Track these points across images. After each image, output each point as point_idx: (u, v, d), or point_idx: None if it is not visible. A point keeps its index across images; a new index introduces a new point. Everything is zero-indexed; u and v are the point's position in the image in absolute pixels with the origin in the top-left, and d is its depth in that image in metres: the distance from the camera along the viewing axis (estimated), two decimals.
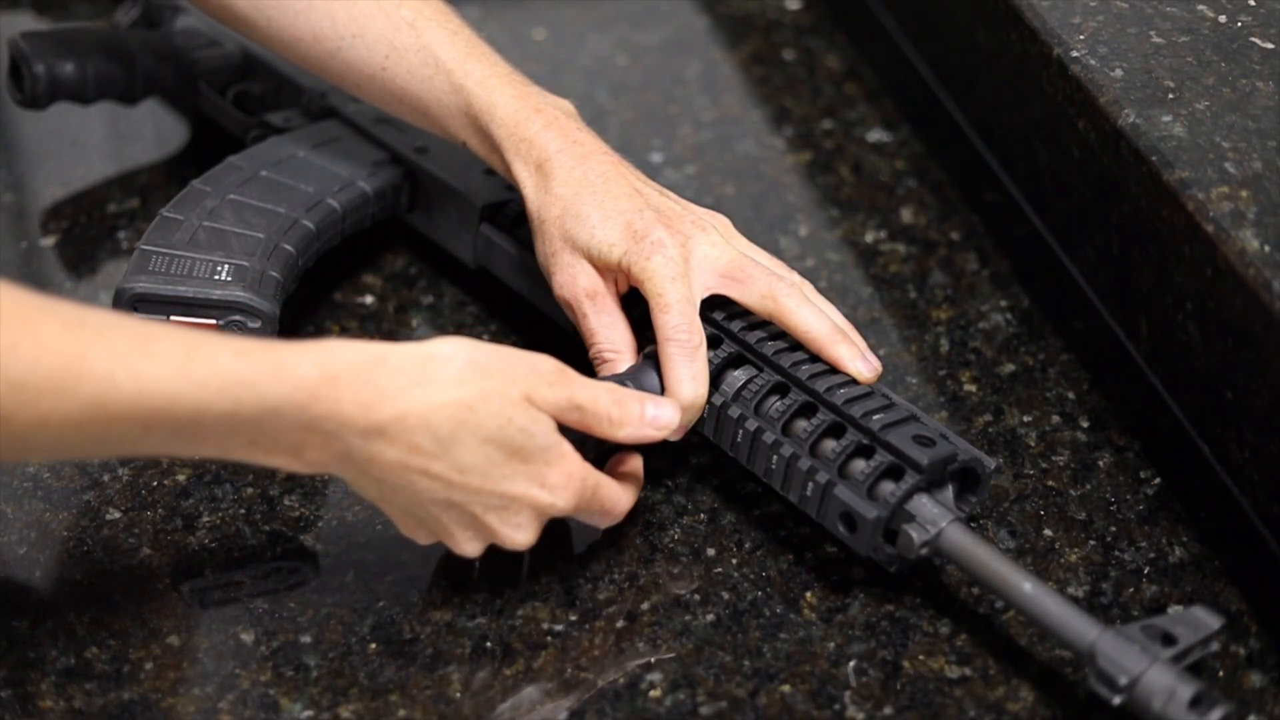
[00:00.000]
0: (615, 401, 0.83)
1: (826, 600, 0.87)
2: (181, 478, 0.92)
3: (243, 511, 0.90)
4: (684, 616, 0.86)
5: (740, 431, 0.88)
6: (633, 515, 0.90)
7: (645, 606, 0.86)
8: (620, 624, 0.85)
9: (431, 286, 1.07)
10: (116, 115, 1.19)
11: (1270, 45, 1.00)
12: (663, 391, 0.87)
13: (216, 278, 0.94)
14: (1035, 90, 1.05)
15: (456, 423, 0.78)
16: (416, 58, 0.94)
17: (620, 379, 0.88)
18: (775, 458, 0.86)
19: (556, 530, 0.87)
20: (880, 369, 0.88)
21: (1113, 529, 0.91)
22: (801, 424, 0.87)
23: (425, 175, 1.04)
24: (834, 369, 0.88)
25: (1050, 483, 0.94)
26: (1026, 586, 0.80)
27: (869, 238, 1.12)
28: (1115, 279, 1.00)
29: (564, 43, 1.32)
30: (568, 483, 0.81)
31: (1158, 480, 0.94)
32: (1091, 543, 0.90)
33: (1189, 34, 1.01)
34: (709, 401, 0.88)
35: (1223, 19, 1.03)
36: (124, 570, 0.87)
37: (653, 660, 0.83)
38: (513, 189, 0.98)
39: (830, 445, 0.86)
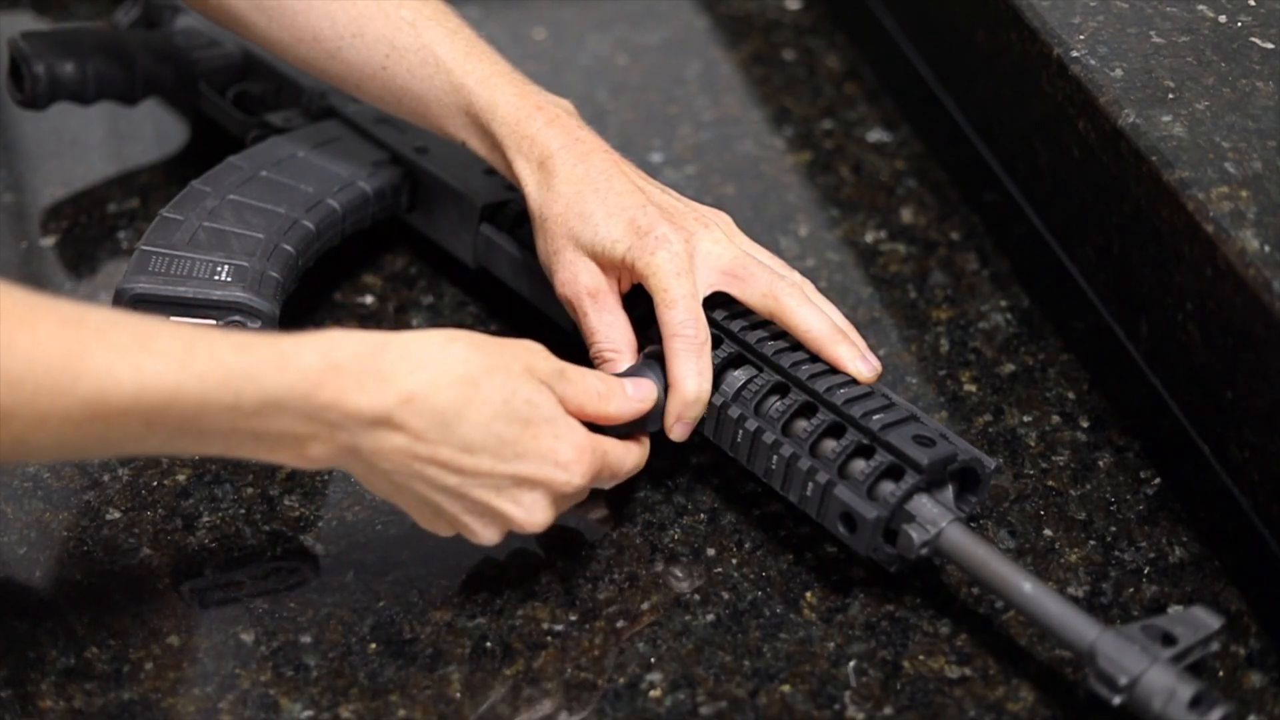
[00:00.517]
0: (599, 378, 0.85)
1: (826, 600, 0.87)
2: (181, 478, 0.92)
3: (243, 511, 0.90)
4: (684, 616, 0.86)
5: (740, 431, 0.88)
6: (633, 515, 0.90)
7: (645, 606, 0.86)
8: (620, 624, 0.85)
9: (431, 286, 1.07)
10: (116, 115, 1.19)
11: (1270, 45, 1.00)
12: (665, 389, 0.87)
13: (216, 278, 0.94)
14: (1035, 90, 1.05)
15: (462, 401, 0.78)
16: (416, 57, 0.94)
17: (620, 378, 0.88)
18: (775, 458, 0.86)
19: (557, 530, 0.87)
20: (880, 369, 0.88)
21: (1113, 529, 0.91)
22: (801, 424, 0.87)
23: (425, 175, 1.04)
24: (834, 369, 0.88)
25: (1050, 483, 0.94)
26: (1026, 586, 0.80)
27: (869, 238, 1.12)
28: (1115, 279, 1.00)
29: (564, 43, 1.32)
30: (580, 455, 0.81)
31: (1158, 480, 0.94)
32: (1091, 543, 0.90)
33: (1189, 34, 1.01)
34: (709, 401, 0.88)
35: (1223, 19, 1.03)
36: (124, 570, 0.87)
37: (653, 660, 0.83)
38: (513, 189, 0.98)
39: (830, 445, 0.86)
